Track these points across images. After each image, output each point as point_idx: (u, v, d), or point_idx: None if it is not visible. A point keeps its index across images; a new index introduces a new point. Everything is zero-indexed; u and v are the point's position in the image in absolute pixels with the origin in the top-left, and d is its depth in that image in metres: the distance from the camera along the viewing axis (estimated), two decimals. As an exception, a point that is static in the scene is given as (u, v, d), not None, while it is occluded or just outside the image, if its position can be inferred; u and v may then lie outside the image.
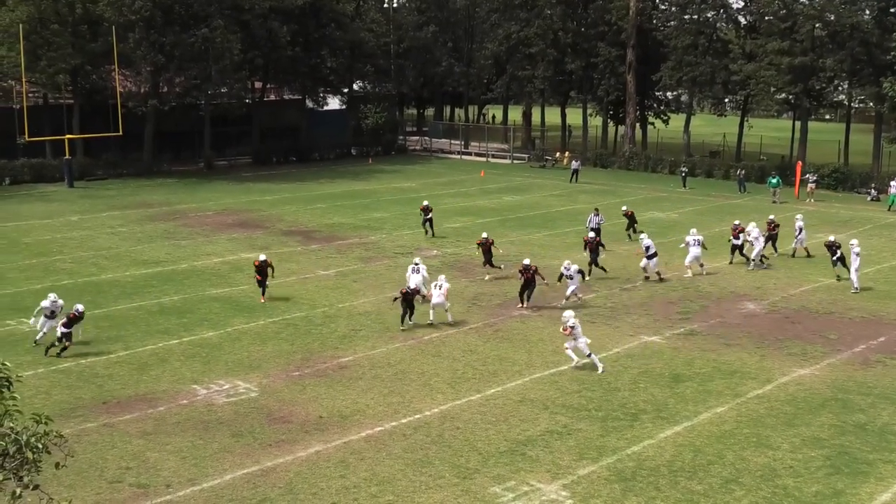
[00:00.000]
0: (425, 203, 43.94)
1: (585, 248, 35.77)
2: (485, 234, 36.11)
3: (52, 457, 8.52)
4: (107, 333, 26.84)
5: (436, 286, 28.70)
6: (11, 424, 8.23)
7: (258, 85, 77.03)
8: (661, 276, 34.70)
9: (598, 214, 40.90)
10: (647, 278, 34.65)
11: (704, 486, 17.87)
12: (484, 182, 64.07)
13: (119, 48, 61.73)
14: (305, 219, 48.67)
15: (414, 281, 29.98)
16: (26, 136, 58.61)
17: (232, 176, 66.74)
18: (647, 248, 34.31)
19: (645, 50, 74.06)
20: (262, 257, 31.80)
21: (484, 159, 78.86)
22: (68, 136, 62.13)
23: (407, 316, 28.32)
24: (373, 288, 33.40)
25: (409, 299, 28.06)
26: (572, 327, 24.43)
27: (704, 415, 21.61)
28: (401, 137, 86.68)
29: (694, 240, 35.47)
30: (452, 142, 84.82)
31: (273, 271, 31.88)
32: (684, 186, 61.30)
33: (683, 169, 63.56)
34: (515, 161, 77.46)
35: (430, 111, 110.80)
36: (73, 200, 54.39)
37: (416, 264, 30.96)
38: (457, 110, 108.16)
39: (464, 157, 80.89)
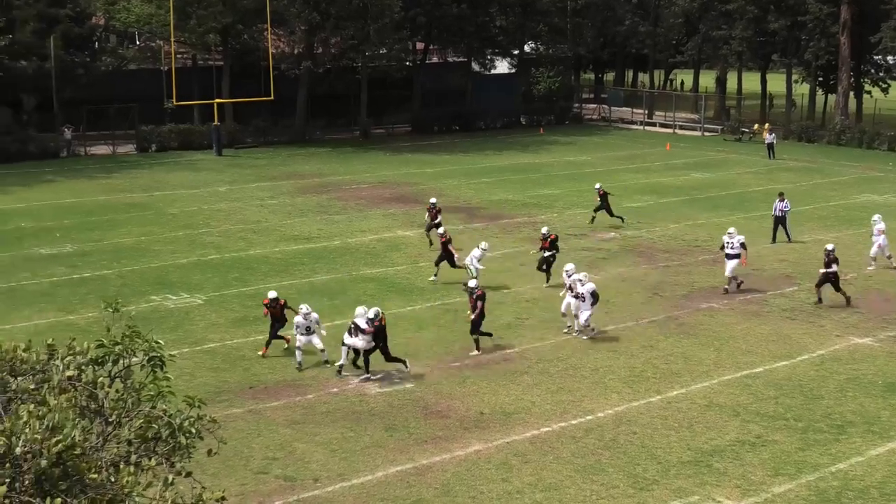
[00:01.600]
0: (433, 201, 38.19)
1: (541, 249, 32.54)
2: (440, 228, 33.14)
3: (203, 443, 8.91)
4: (255, 313, 27.72)
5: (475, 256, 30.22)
6: (164, 407, 8.65)
7: (420, 46, 77.84)
8: (739, 284, 31.43)
9: (782, 200, 38.01)
10: (739, 284, 31.43)
11: (921, 513, 17.30)
12: (669, 157, 63.18)
13: (272, 6, 63.30)
14: (468, 194, 49.07)
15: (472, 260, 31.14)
16: (174, 99, 60.85)
17: (390, 145, 67.79)
18: (741, 245, 30.96)
19: (862, 7, 71.38)
20: (273, 294, 25.32)
21: (670, 131, 77.68)
22: (217, 100, 64.25)
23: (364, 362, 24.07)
24: (542, 273, 33.43)
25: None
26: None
27: (923, 430, 20.88)
28: (576, 105, 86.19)
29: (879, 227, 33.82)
30: (635, 111, 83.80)
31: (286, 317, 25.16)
32: (905, 165, 59.01)
33: (905, 145, 61.15)
34: (706, 133, 76.02)
35: (609, 76, 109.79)
36: (221, 169, 56.34)
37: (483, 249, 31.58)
38: (640, 75, 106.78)
39: (647, 128, 79.84)
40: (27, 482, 7.53)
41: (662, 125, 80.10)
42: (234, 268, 34.05)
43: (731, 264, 31.02)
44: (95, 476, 7.78)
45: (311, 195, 48.39)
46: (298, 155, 62.44)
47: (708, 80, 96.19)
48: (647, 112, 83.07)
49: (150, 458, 8.32)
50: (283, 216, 43.17)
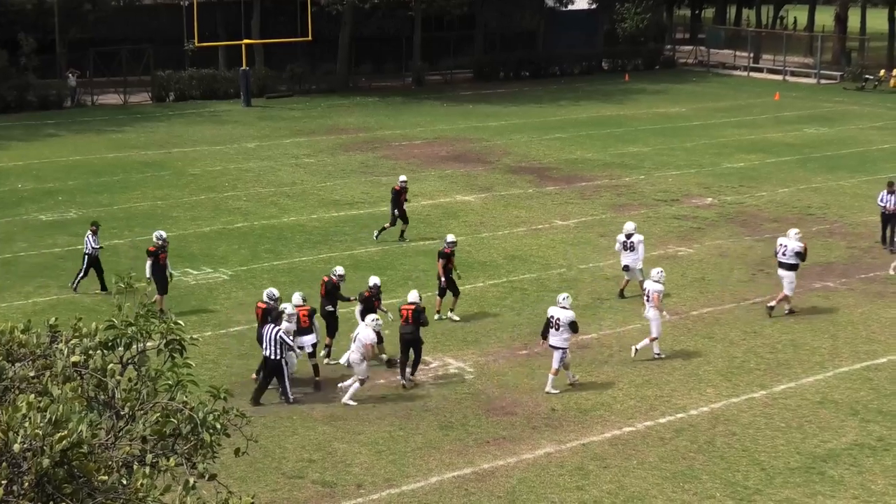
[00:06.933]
0: (402, 180, 34.70)
1: None
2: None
3: (229, 441, 8.97)
4: (288, 290, 27.83)
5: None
6: (184, 398, 8.72)
7: (483, -24, 77.62)
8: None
9: (893, 191, 33.04)
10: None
11: None
12: (779, 108, 62.57)
13: (310, -71, 63.35)
14: (540, 152, 48.94)
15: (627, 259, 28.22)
16: (195, 40, 61.10)
17: (447, 95, 67.73)
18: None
19: None
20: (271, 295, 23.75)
21: (780, 78, 77.00)
22: (246, 40, 64.36)
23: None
24: (625, 245, 33.38)
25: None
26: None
27: None
28: (668, 47, 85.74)
29: None
30: (738, 54, 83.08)
31: None
32: None
33: None
34: (823, 81, 75.25)
35: (708, 12, 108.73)
36: (250, 122, 56.63)
37: (629, 238, 28.26)
38: (745, 11, 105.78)
39: (752, 74, 79.17)
40: (27, 484, 7.64)
41: (770, 71, 79.43)
42: (264, 238, 34.24)
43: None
44: (105, 478, 7.87)
45: (354, 153, 48.53)
46: (340, 106, 62.59)
47: (825, 17, 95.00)
48: (752, 56, 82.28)
49: (168, 458, 8.38)
50: (322, 177, 43.35)
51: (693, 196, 40.10)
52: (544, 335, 22.65)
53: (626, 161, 46.73)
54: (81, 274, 28.59)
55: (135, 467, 8.09)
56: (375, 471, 19.10)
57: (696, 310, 27.32)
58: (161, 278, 27.04)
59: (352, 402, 21.94)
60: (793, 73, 77.97)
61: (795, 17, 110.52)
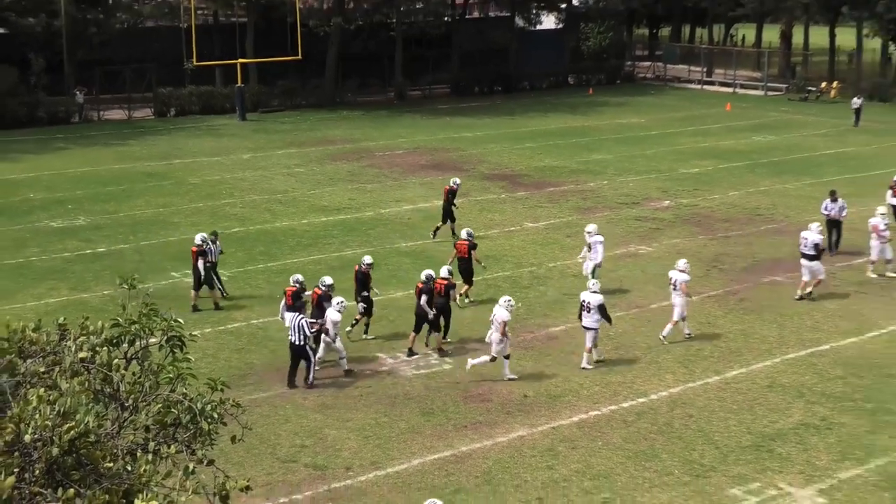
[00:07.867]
0: (455, 182, 35.55)
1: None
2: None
3: (226, 429, 8.98)
4: (282, 290, 27.83)
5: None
6: (184, 390, 8.71)
7: (459, 0, 77.51)
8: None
9: (836, 199, 32.34)
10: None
11: None
12: (730, 118, 62.69)
13: (299, -43, 63.31)
14: (511, 160, 48.96)
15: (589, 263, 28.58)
16: (194, 59, 61.00)
17: (426, 108, 67.71)
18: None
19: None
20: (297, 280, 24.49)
21: (730, 90, 77.15)
22: (241, 59, 64.27)
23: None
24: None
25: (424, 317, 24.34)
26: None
27: None
28: (628, 63, 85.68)
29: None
30: (692, 69, 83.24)
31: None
32: None
33: None
34: (770, 93, 75.43)
35: (665, 31, 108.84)
36: (245, 135, 56.52)
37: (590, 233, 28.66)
38: (698, 30, 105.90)
39: (705, 87, 79.30)
40: (38, 472, 7.61)
41: (722, 84, 79.51)
42: (259, 241, 34.20)
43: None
44: (111, 465, 7.85)
45: (341, 162, 48.47)
46: (328, 119, 62.52)
47: (772, 34, 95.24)
48: (705, 70, 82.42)
49: (169, 446, 8.36)
50: (312, 185, 43.29)
51: (652, 199, 40.17)
52: (580, 317, 23.35)
53: (590, 168, 46.78)
54: (217, 283, 28.10)
55: (138, 455, 8.07)
56: (363, 454, 19.11)
57: (656, 303, 27.36)
58: (209, 277, 27.45)
59: (513, 377, 22.62)
60: (742, 86, 78.11)
61: (744, 35, 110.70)
